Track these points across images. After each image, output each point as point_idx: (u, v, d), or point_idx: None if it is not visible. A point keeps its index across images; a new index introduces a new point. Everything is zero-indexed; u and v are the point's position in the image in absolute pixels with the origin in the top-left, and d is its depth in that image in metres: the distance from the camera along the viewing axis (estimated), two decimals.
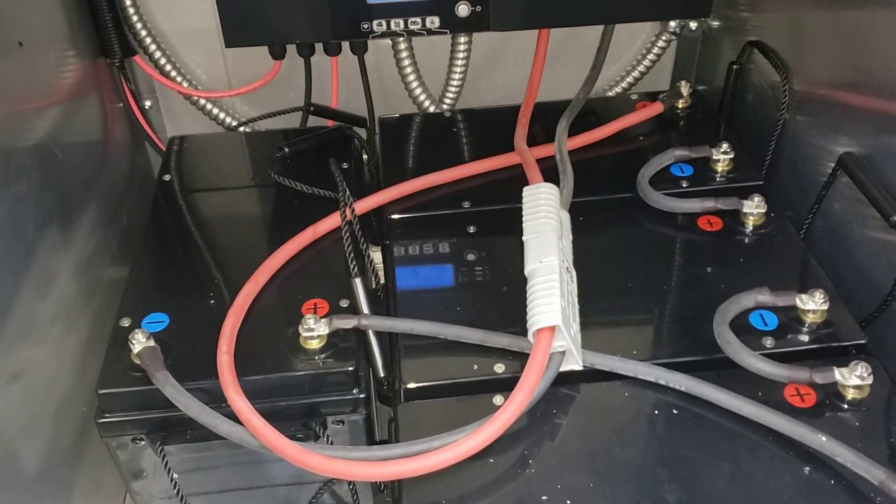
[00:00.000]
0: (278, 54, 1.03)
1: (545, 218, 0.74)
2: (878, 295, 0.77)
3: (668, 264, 0.81)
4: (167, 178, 0.95)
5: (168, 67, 1.09)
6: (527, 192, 0.78)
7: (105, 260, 0.95)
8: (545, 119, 0.97)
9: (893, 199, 0.75)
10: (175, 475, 0.75)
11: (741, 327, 0.72)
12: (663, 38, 1.13)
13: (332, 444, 0.73)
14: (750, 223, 0.83)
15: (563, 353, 0.68)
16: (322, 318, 0.73)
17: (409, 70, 1.08)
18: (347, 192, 0.85)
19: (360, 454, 0.63)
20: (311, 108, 1.09)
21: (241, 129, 1.14)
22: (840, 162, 0.82)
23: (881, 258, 0.78)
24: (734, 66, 1.03)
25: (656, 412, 0.67)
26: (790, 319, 0.73)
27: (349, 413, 0.74)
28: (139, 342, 0.70)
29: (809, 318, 0.72)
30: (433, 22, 0.90)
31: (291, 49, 1.04)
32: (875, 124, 0.79)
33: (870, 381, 0.66)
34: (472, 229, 0.85)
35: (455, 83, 1.09)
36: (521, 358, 0.68)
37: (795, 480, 0.62)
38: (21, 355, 0.73)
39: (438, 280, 0.80)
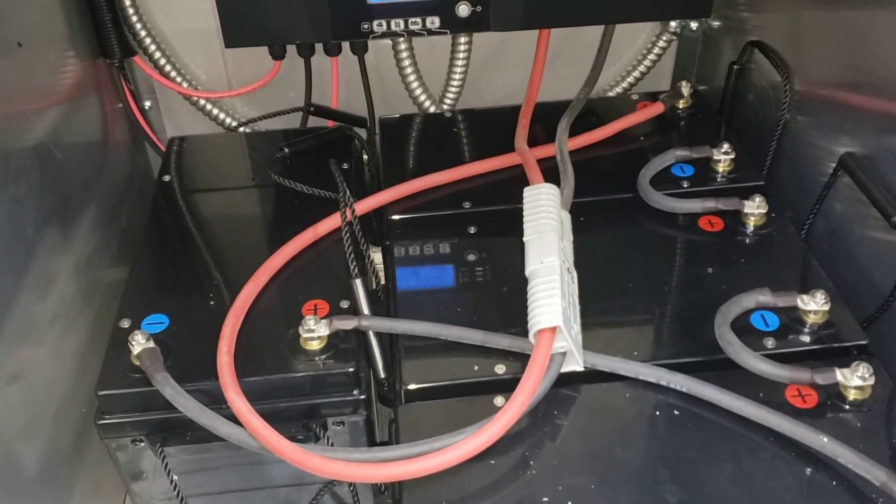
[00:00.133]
0: (278, 54, 1.03)
1: (546, 218, 0.74)
2: (880, 295, 0.77)
3: (668, 265, 0.81)
4: (167, 178, 0.95)
5: (168, 68, 1.09)
6: (527, 192, 0.78)
7: (105, 261, 0.95)
8: (546, 119, 0.97)
9: (894, 200, 0.75)
10: (175, 476, 0.74)
11: (742, 328, 0.71)
12: (664, 38, 1.13)
13: (332, 445, 0.73)
14: (751, 223, 0.83)
15: (564, 353, 0.67)
16: (322, 318, 0.72)
17: (409, 70, 1.08)
18: (348, 193, 0.85)
19: (360, 455, 0.63)
20: (312, 109, 1.09)
21: (241, 129, 1.14)
22: (841, 162, 0.82)
23: (882, 258, 0.78)
24: (735, 67, 1.03)
25: (657, 413, 0.67)
26: (791, 320, 0.73)
27: (349, 414, 0.74)
28: (139, 343, 0.70)
29: (811, 319, 0.72)
30: (433, 22, 0.90)
31: (291, 49, 1.04)
32: (876, 124, 0.79)
33: (871, 381, 0.66)
34: (472, 230, 0.85)
35: (455, 83, 1.09)
36: (522, 359, 0.68)
37: (797, 481, 0.62)
38: (20, 356, 0.73)
39: (439, 281, 0.80)
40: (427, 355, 0.73)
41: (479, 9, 0.89)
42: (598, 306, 0.75)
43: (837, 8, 0.85)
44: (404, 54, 1.07)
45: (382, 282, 0.87)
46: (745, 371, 0.68)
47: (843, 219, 0.84)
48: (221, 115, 1.14)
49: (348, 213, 0.83)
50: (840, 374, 0.66)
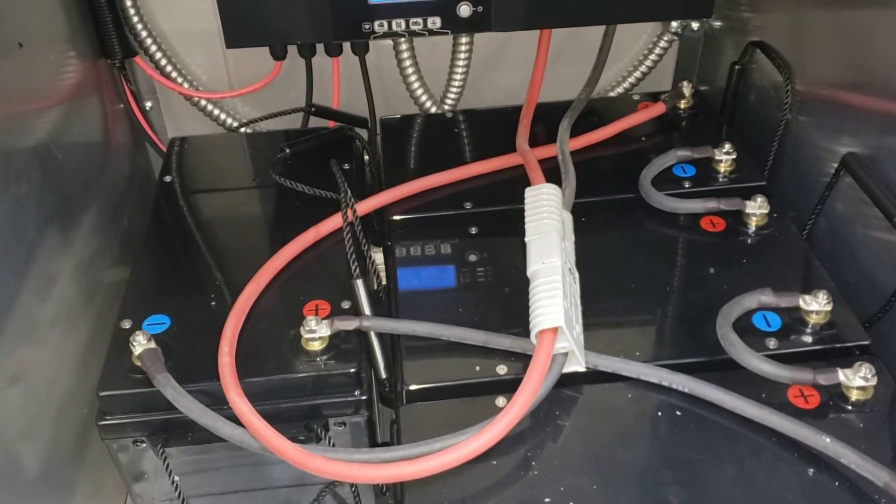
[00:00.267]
0: (279, 55, 1.03)
1: (547, 219, 0.74)
2: (882, 295, 0.77)
3: (670, 265, 0.81)
4: (168, 179, 0.95)
5: (169, 68, 1.09)
6: (529, 192, 0.78)
7: (106, 261, 0.95)
8: (547, 119, 0.97)
9: None
10: (176, 477, 0.74)
11: (744, 328, 0.71)
12: (665, 38, 1.13)
13: (333, 445, 0.72)
14: (753, 224, 0.83)
15: (566, 354, 0.67)
16: (323, 319, 0.72)
17: (410, 70, 1.08)
18: (349, 193, 0.85)
19: (361, 456, 0.63)
20: (313, 109, 1.09)
21: (242, 129, 1.14)
22: (843, 162, 0.82)
23: (884, 258, 0.78)
24: (736, 67, 1.03)
25: (659, 414, 0.67)
26: (793, 320, 0.73)
27: (351, 415, 0.73)
28: (140, 344, 0.70)
29: (813, 319, 0.72)
30: (434, 22, 0.90)
31: (292, 50, 1.03)
32: (878, 124, 0.79)
33: (874, 382, 0.66)
34: (473, 230, 0.85)
35: (456, 84, 1.09)
36: (524, 359, 0.68)
37: (799, 482, 0.61)
38: (21, 357, 0.72)
39: (440, 281, 0.80)
40: (428, 356, 0.72)
41: (480, 9, 0.89)
42: (599, 307, 0.75)
43: (839, 8, 0.85)
44: (405, 54, 1.07)
45: (384, 282, 0.87)
46: (747, 371, 0.68)
47: (845, 219, 0.84)
48: (222, 116, 1.14)
49: (349, 213, 0.83)
50: (842, 375, 0.66)
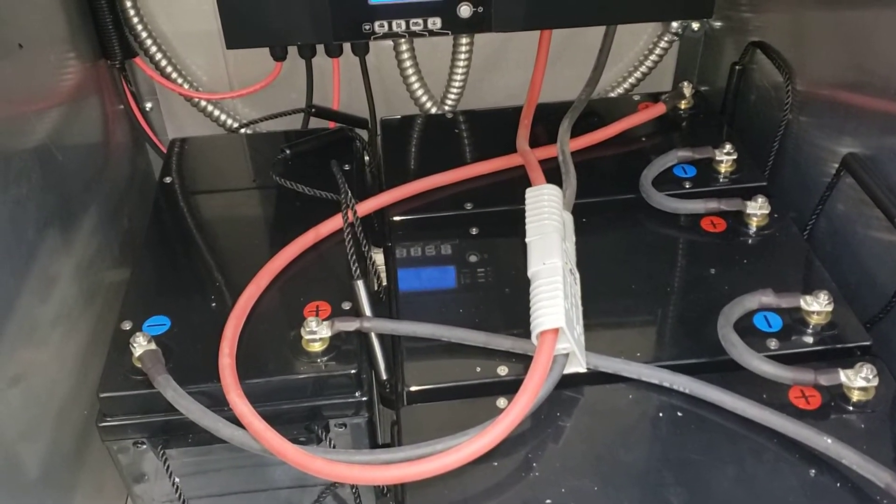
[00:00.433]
0: (279, 56, 1.02)
1: (548, 219, 0.74)
2: (883, 296, 0.77)
3: (671, 266, 0.81)
4: (168, 180, 0.95)
5: (169, 69, 1.09)
6: (529, 193, 0.78)
7: (106, 262, 0.95)
8: (547, 120, 0.97)
9: None
10: (177, 479, 0.74)
11: (745, 329, 0.71)
12: (665, 38, 1.13)
13: (334, 447, 0.72)
14: (753, 224, 0.83)
15: (567, 355, 0.67)
16: (324, 320, 0.72)
17: (410, 71, 1.08)
18: (349, 194, 0.85)
19: (362, 458, 0.63)
20: (313, 110, 1.09)
21: (243, 130, 1.14)
22: (844, 163, 0.82)
23: (885, 259, 0.78)
24: (737, 67, 1.03)
25: (660, 415, 0.67)
26: (794, 321, 0.73)
27: (351, 416, 0.73)
28: (140, 345, 0.70)
29: (814, 320, 0.72)
30: (435, 23, 0.90)
31: (293, 50, 1.03)
32: (879, 125, 0.79)
33: (875, 382, 0.66)
34: (474, 231, 0.85)
35: (457, 84, 1.09)
36: (525, 360, 0.68)
37: (800, 483, 0.61)
38: (22, 358, 0.72)
39: (441, 282, 0.79)
40: (429, 357, 0.72)
41: (480, 9, 0.89)
42: (600, 307, 0.75)
43: (839, 8, 0.85)
44: (406, 55, 1.07)
45: (384, 283, 0.87)
46: (748, 372, 0.68)
47: (846, 219, 0.84)
48: (223, 117, 1.14)
49: (350, 214, 0.83)
50: (844, 376, 0.66)
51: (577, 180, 0.85)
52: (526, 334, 0.68)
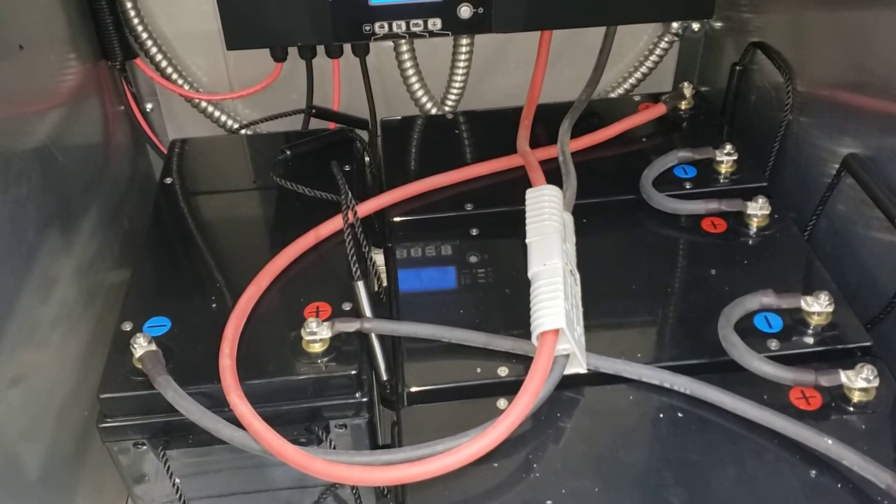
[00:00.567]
0: (280, 56, 1.02)
1: (548, 220, 0.74)
2: (883, 296, 0.77)
3: (671, 266, 0.81)
4: (168, 181, 0.95)
5: (169, 70, 1.09)
6: (530, 194, 0.78)
7: (106, 263, 0.95)
8: (548, 121, 0.97)
9: None
10: (177, 479, 0.74)
11: (746, 330, 0.71)
12: (666, 39, 1.13)
13: (334, 448, 0.72)
14: (754, 225, 0.83)
15: (568, 356, 0.67)
16: (324, 321, 0.72)
17: (410, 72, 1.08)
18: (350, 195, 0.85)
19: (362, 458, 0.63)
20: (313, 111, 1.09)
21: (243, 131, 1.14)
22: (844, 163, 0.82)
23: (886, 259, 0.78)
24: (737, 68, 1.03)
25: (661, 415, 0.67)
26: (795, 322, 0.73)
27: (352, 417, 0.73)
28: (141, 346, 0.70)
29: (814, 321, 0.72)
30: (435, 24, 0.90)
31: (293, 51, 1.03)
32: (879, 125, 0.79)
33: (876, 383, 0.66)
34: (474, 231, 0.85)
35: (457, 85, 1.09)
36: (525, 361, 0.68)
37: (801, 484, 0.61)
38: (22, 359, 0.72)
39: (441, 283, 0.79)
40: (429, 357, 0.72)
41: (480, 10, 0.89)
42: (601, 308, 0.75)
43: (840, 8, 0.85)
44: (406, 56, 1.07)
45: (384, 284, 0.87)
46: (748, 373, 0.68)
47: (847, 220, 0.84)
48: (223, 118, 1.14)
49: (350, 215, 0.83)
50: (844, 376, 0.66)
51: (577, 181, 0.85)
52: (526, 335, 0.68)
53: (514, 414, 0.62)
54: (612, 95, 1.18)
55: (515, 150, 0.93)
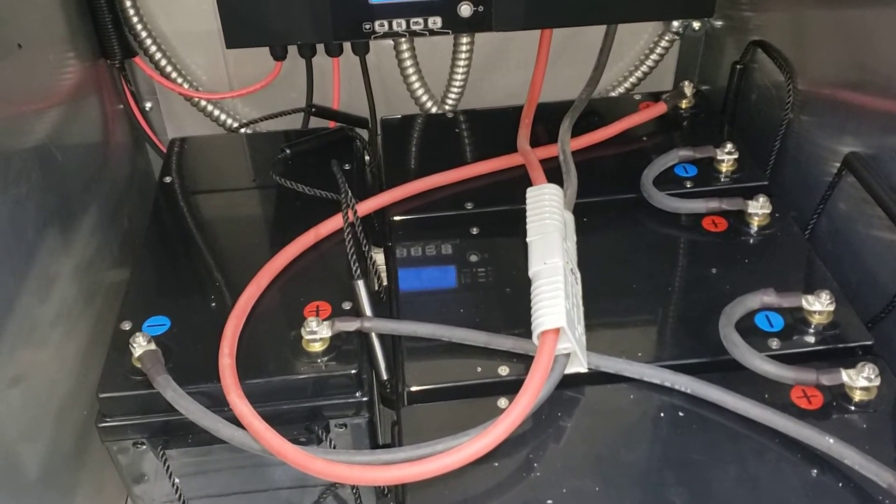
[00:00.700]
0: (279, 55, 1.02)
1: (549, 219, 0.74)
2: (885, 295, 0.77)
3: (672, 265, 0.81)
4: (168, 179, 0.95)
5: (168, 69, 1.09)
6: (530, 192, 0.78)
7: (106, 262, 0.95)
8: (548, 120, 0.97)
9: None
10: (176, 479, 0.74)
11: (747, 329, 0.71)
12: (666, 38, 1.12)
13: (334, 447, 0.72)
14: (755, 224, 0.83)
15: (568, 355, 0.67)
16: (324, 320, 0.72)
17: (411, 71, 1.08)
18: (349, 194, 0.84)
19: (362, 458, 0.63)
20: (313, 110, 1.09)
21: (243, 130, 1.14)
22: (845, 162, 0.82)
23: (887, 258, 0.78)
24: (737, 66, 1.03)
25: (662, 415, 0.67)
26: (796, 320, 0.73)
27: (352, 416, 0.73)
28: (140, 346, 0.70)
29: (815, 320, 0.72)
30: (435, 22, 0.89)
31: (293, 50, 1.03)
32: (880, 124, 0.79)
33: (877, 382, 0.66)
34: (475, 230, 0.84)
35: (457, 84, 1.09)
36: (526, 360, 0.68)
37: (802, 483, 0.61)
38: (21, 358, 0.72)
39: (441, 282, 0.79)
40: (430, 357, 0.72)
41: (481, 9, 0.88)
42: (601, 307, 0.75)
43: (840, 7, 0.85)
44: (406, 55, 1.07)
45: (385, 283, 0.87)
46: (749, 372, 0.67)
47: (848, 219, 0.83)
48: (222, 116, 1.14)
49: (350, 214, 0.83)
50: (845, 375, 0.66)
51: (577, 180, 0.85)
52: (527, 334, 0.68)
53: (514, 413, 0.62)
54: (613, 94, 1.17)
55: (516, 148, 0.92)
